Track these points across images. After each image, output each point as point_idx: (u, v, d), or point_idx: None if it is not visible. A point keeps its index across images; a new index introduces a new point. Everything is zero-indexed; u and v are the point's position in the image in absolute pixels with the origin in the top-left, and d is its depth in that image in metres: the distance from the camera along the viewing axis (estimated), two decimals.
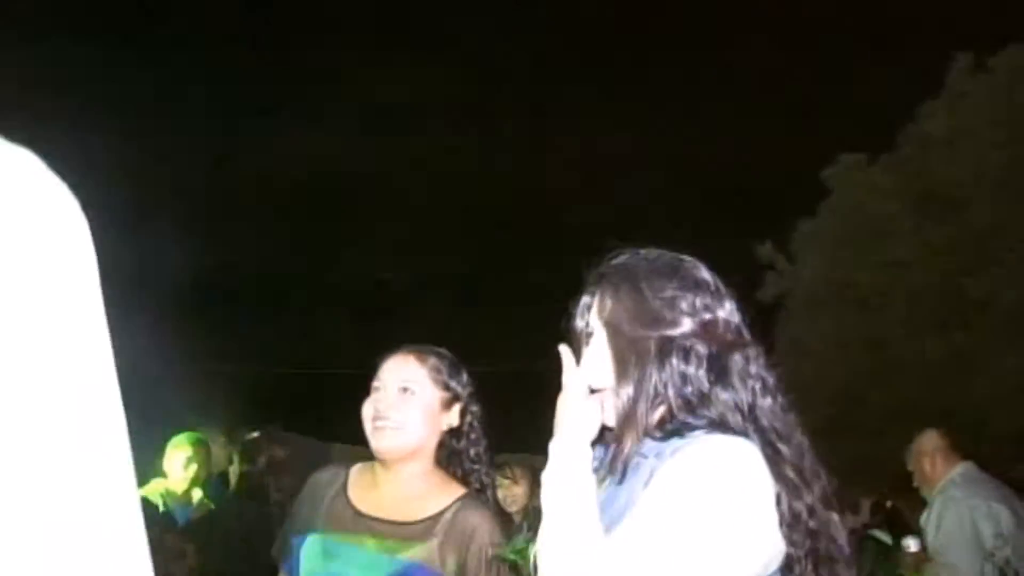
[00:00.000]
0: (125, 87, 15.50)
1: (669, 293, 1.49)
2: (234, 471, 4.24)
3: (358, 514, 2.21)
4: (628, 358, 1.49)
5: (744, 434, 1.40)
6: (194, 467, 4.42)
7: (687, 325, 1.47)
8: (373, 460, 2.29)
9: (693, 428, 1.42)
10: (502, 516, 2.42)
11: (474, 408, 2.33)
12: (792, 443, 1.44)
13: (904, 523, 7.75)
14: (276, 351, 15.11)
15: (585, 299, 1.59)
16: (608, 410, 1.50)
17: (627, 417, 1.47)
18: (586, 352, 1.55)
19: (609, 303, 1.53)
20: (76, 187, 0.70)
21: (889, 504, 8.91)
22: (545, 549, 1.41)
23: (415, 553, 2.11)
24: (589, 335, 1.56)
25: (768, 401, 1.46)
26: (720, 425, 1.41)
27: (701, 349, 1.46)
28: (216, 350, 13.46)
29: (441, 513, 2.16)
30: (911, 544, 4.02)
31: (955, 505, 3.88)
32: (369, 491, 2.26)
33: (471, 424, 2.32)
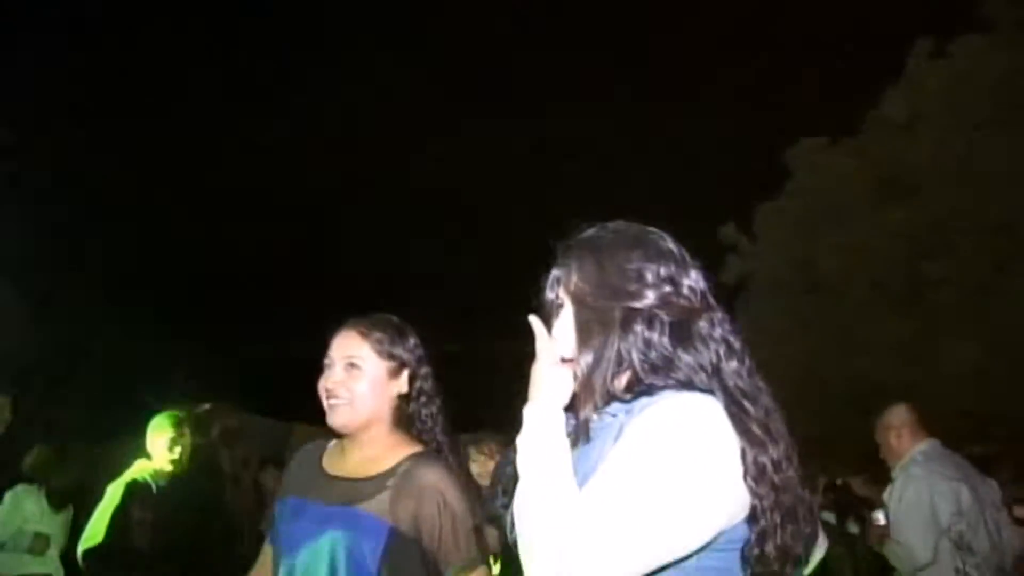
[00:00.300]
0: None
1: (634, 264, 1.54)
2: (184, 443, 4.24)
3: (326, 476, 2.35)
4: (591, 328, 1.54)
5: (710, 393, 1.45)
6: (179, 448, 4.43)
7: (651, 294, 1.51)
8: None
9: (660, 389, 1.46)
10: (469, 482, 2.48)
11: (422, 371, 2.41)
12: (758, 403, 1.48)
13: (849, 502, 7.93)
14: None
15: (554, 272, 1.63)
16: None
17: (584, 384, 1.53)
18: (555, 323, 1.60)
19: (575, 276, 1.58)
20: None
21: (839, 482, 9.10)
22: (521, 511, 1.45)
23: (368, 505, 2.21)
24: (559, 307, 1.61)
25: (733, 363, 1.51)
26: (686, 386, 1.45)
27: (665, 316, 1.50)
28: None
29: (394, 468, 2.26)
30: (880, 518, 4.10)
31: (915, 483, 3.95)
32: (338, 457, 2.38)
33: (420, 388, 2.40)
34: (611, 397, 1.51)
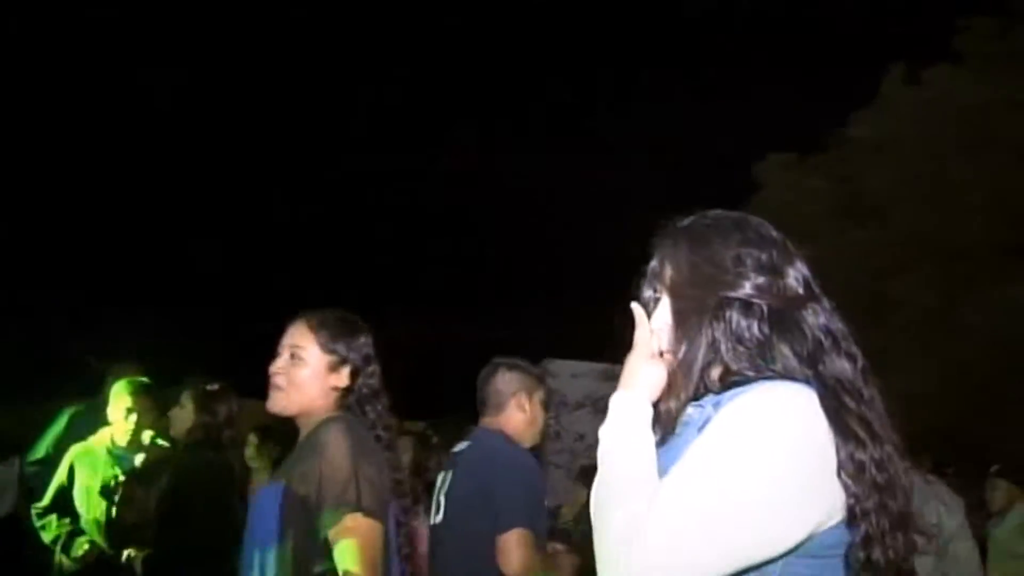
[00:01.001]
0: None
1: (732, 251, 1.47)
2: (182, 418, 4.07)
3: (285, 461, 2.44)
4: (686, 318, 1.48)
5: (806, 383, 1.37)
6: (135, 416, 4.30)
7: (748, 282, 1.45)
8: None
9: (754, 381, 1.40)
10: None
11: (369, 369, 2.45)
12: (861, 399, 1.40)
13: None
14: None
15: (650, 265, 1.57)
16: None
17: (677, 374, 1.47)
18: (653, 317, 1.54)
19: (669, 267, 1.53)
20: None
21: None
22: (597, 503, 1.39)
23: (281, 474, 2.33)
24: (656, 300, 1.55)
25: (835, 355, 1.43)
26: (782, 377, 1.39)
27: (764, 305, 1.44)
28: None
29: (307, 436, 2.35)
30: None
31: None
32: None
33: (364, 384, 2.44)
34: (704, 389, 1.44)
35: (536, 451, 3.54)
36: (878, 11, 12.82)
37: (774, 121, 14.23)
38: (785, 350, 1.41)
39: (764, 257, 1.46)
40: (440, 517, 3.33)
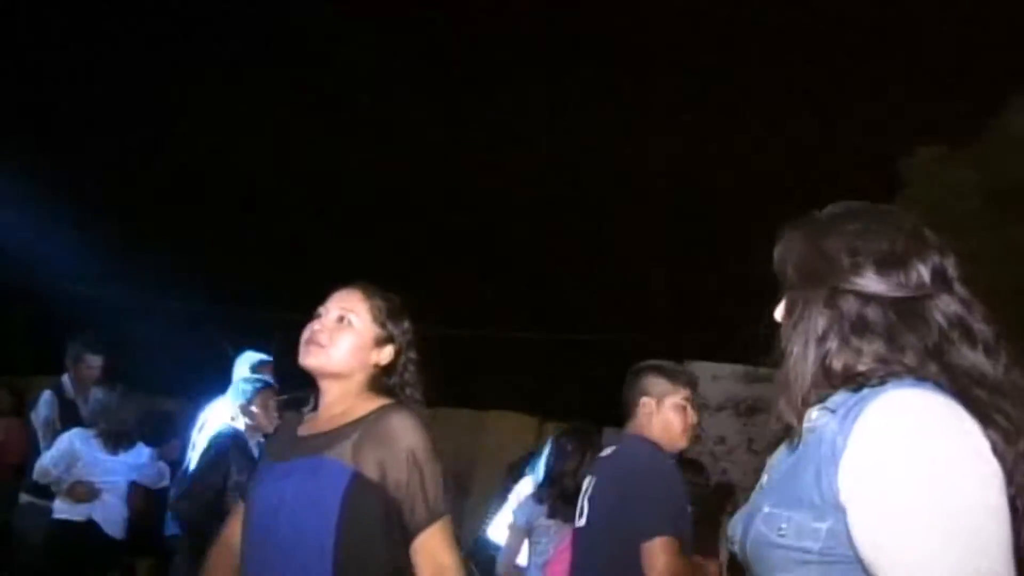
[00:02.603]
0: None
1: (847, 242, 1.45)
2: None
3: (297, 439, 2.39)
4: (795, 312, 1.47)
5: (936, 383, 1.34)
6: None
7: (865, 272, 1.41)
8: None
9: (878, 381, 1.35)
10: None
11: (411, 355, 2.46)
12: (995, 388, 1.36)
13: None
14: None
15: (775, 259, 1.57)
16: None
17: (789, 369, 1.44)
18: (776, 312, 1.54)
19: (783, 261, 1.52)
20: None
21: None
22: None
23: (331, 452, 2.24)
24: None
25: (966, 346, 1.39)
26: (908, 373, 1.35)
27: (883, 296, 1.39)
28: None
29: (363, 417, 2.29)
30: None
31: None
32: (311, 421, 2.43)
33: (405, 366, 2.44)
34: (826, 385, 1.42)
35: (681, 455, 3.52)
36: None
37: (920, 113, 13.65)
38: (911, 341, 1.38)
39: (886, 246, 1.43)
40: (583, 521, 3.38)
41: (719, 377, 8.42)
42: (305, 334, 2.38)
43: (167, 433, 6.70)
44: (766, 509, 1.38)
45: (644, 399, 3.43)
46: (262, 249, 15.33)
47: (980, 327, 1.42)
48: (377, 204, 16.23)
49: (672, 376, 3.51)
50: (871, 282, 1.41)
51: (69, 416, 6.08)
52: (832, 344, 1.41)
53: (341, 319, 2.37)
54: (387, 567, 2.18)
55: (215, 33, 15.56)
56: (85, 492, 5.66)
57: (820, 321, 1.42)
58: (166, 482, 6.16)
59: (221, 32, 15.55)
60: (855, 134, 14.45)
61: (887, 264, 1.42)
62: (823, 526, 1.30)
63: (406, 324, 2.46)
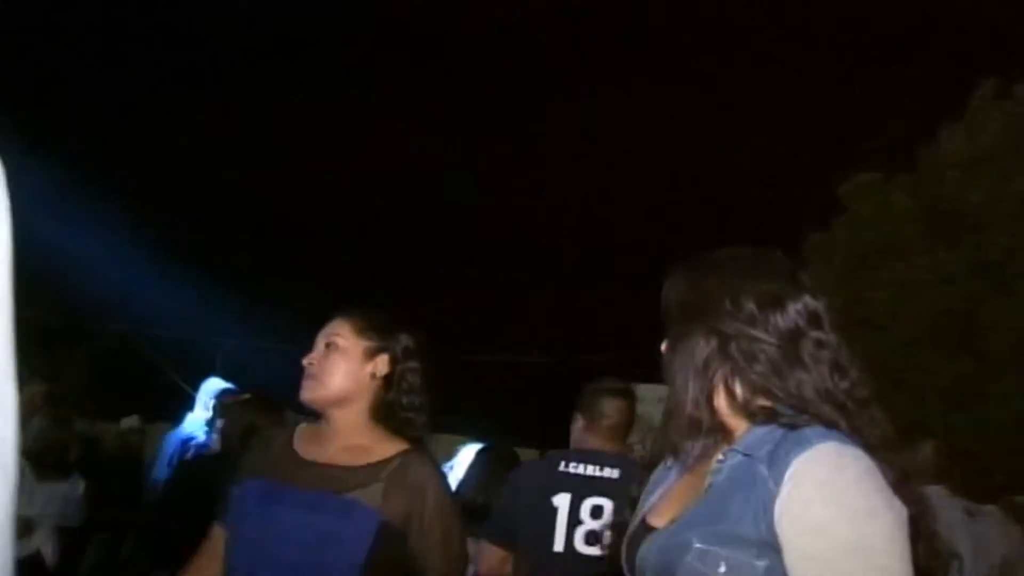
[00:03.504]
0: None
1: (726, 285, 1.51)
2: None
3: (303, 461, 2.31)
4: (675, 349, 1.54)
5: (835, 425, 1.42)
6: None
7: (740, 314, 1.48)
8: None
9: (790, 420, 1.43)
10: None
11: (409, 364, 2.40)
12: (865, 409, 1.46)
13: None
14: None
15: (662, 295, 1.64)
16: None
17: (672, 400, 1.55)
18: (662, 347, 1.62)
19: (666, 300, 1.59)
20: None
21: None
22: None
23: (360, 494, 2.20)
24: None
25: (839, 378, 1.47)
26: (806, 413, 1.43)
27: (765, 335, 1.47)
28: None
29: (386, 461, 2.26)
30: None
31: None
32: (314, 444, 2.36)
33: (403, 376, 2.38)
34: (709, 415, 1.50)
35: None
36: (965, 26, 12.49)
37: (858, 139, 13.98)
38: (798, 377, 1.46)
39: (763, 288, 1.50)
40: (561, 546, 3.25)
41: (664, 400, 8.48)
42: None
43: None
44: (698, 545, 1.42)
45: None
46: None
47: (844, 360, 1.49)
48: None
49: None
50: (750, 321, 1.48)
51: None
52: (715, 377, 1.49)
53: (328, 345, 2.36)
54: None
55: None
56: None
57: (700, 355, 1.49)
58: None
59: None
60: (793, 158, 14.74)
61: (765, 305, 1.48)
62: (762, 564, 1.37)
63: (400, 335, 2.41)
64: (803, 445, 1.38)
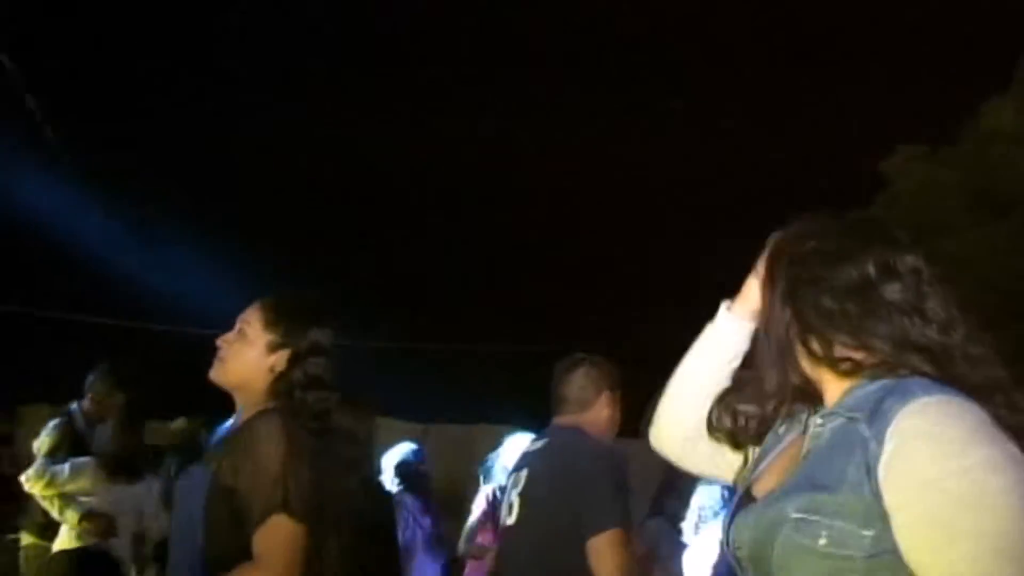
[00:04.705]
0: None
1: (805, 244, 1.51)
2: None
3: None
4: (763, 308, 1.55)
5: (928, 375, 1.36)
6: None
7: (816, 267, 1.47)
8: None
9: (875, 370, 1.39)
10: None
11: (314, 359, 2.39)
12: (967, 359, 1.41)
13: None
14: None
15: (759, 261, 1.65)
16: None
17: (764, 345, 1.53)
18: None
19: (764, 256, 1.59)
20: None
21: None
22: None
23: (217, 464, 2.27)
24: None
25: (923, 325, 1.41)
26: (908, 368, 1.37)
27: (838, 285, 1.43)
28: None
29: (240, 426, 2.34)
30: None
31: None
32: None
33: (307, 373, 2.37)
34: (799, 374, 1.46)
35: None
36: None
37: (902, 113, 13.75)
38: (879, 330, 1.40)
39: (835, 245, 1.47)
40: (514, 518, 3.23)
41: None
42: None
43: None
44: (795, 515, 1.34)
45: (607, 391, 3.33)
46: None
47: (932, 307, 1.42)
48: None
49: (615, 370, 3.44)
50: (821, 273, 1.44)
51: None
52: (795, 335, 1.45)
53: (240, 331, 2.41)
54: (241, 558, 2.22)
55: None
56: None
57: (781, 315, 1.47)
58: None
59: None
60: (837, 135, 14.51)
61: (835, 259, 1.45)
62: (869, 534, 1.29)
63: (312, 328, 2.41)
64: (905, 397, 1.31)
